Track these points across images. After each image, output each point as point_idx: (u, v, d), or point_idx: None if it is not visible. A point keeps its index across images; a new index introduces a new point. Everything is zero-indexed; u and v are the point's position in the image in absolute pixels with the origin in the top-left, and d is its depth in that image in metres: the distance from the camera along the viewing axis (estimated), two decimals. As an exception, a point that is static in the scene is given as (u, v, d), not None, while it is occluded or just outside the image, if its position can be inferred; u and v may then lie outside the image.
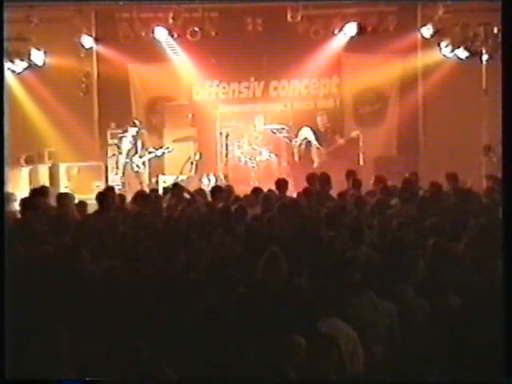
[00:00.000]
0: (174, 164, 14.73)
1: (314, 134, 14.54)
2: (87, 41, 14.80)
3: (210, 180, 14.45)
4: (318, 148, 14.48)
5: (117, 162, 14.61)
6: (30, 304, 5.95)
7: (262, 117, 15.04)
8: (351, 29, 14.85)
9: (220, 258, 7.14)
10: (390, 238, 7.58)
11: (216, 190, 10.00)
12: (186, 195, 9.96)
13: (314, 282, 6.41)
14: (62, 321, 5.61)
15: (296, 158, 14.73)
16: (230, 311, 5.98)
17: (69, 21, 14.42)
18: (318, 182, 10.05)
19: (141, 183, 14.31)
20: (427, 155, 15.08)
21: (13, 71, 14.28)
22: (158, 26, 14.71)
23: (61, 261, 6.92)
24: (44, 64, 14.49)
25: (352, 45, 15.15)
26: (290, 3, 14.67)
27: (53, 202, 9.56)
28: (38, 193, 9.68)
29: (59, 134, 14.98)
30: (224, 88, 15.75)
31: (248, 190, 10.38)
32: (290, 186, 11.14)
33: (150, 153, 14.62)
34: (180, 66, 15.42)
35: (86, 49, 14.90)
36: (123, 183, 14.44)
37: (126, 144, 14.50)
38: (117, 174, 14.58)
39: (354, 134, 14.83)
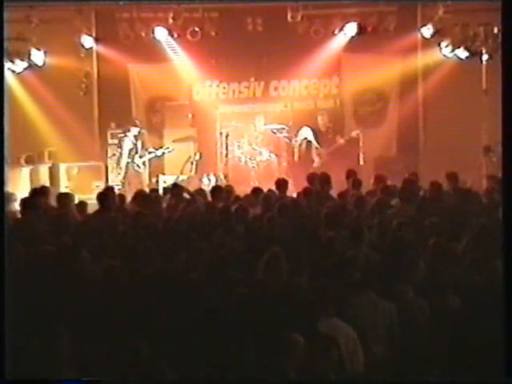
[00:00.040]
0: (174, 164, 14.72)
1: (314, 133, 14.55)
2: (87, 41, 14.80)
3: (210, 180, 14.44)
4: (317, 148, 14.49)
5: (118, 162, 14.61)
6: (30, 304, 5.94)
7: (262, 117, 15.05)
8: (351, 29, 14.85)
9: (220, 258, 7.14)
10: (390, 238, 7.59)
11: (216, 189, 9.98)
12: (186, 195, 9.95)
13: (314, 281, 6.40)
14: (61, 321, 5.60)
15: (296, 158, 14.73)
16: (230, 311, 5.97)
17: (69, 21, 14.41)
18: (318, 182, 10.03)
19: (141, 183, 14.31)
20: (427, 155, 15.07)
21: (13, 71, 14.29)
22: (158, 26, 14.72)
23: (61, 261, 6.91)
24: (44, 64, 14.49)
25: (352, 45, 15.15)
26: (290, 3, 14.68)
27: (53, 201, 9.55)
28: (38, 193, 9.67)
29: (59, 134, 14.97)
30: (224, 88, 15.76)
31: (248, 190, 10.37)
32: (290, 186, 11.12)
33: (150, 153, 14.62)
34: (180, 66, 15.41)
35: (86, 49, 14.90)
36: (123, 183, 14.44)
37: (128, 144, 14.50)
38: (119, 174, 14.57)
39: (354, 133, 14.83)
